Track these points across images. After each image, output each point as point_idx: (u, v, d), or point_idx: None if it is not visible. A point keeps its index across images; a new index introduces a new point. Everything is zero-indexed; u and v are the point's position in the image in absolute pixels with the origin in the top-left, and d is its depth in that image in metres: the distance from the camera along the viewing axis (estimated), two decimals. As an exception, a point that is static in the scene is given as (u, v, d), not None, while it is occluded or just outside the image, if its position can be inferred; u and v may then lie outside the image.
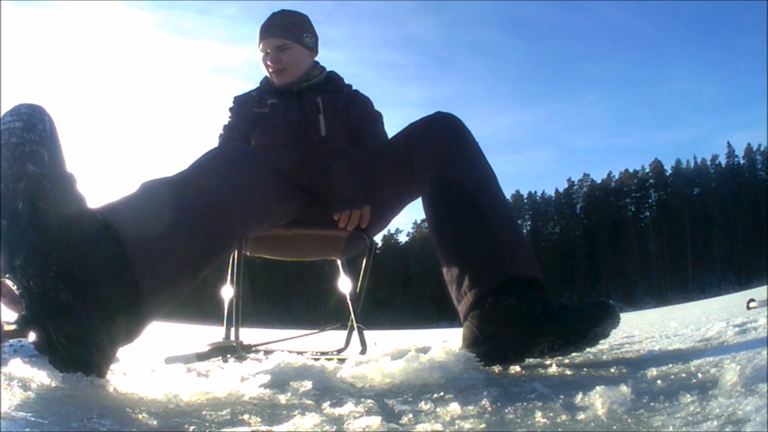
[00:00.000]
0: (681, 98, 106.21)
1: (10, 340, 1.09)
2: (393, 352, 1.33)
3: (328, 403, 0.80)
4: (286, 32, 1.82)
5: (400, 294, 60.87)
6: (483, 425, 0.66)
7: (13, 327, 0.88)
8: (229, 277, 1.80)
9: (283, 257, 2.03)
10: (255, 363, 1.29)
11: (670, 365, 1.01)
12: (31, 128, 0.87)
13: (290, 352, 1.54)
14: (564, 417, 0.67)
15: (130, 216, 1.04)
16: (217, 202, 1.21)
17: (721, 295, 24.96)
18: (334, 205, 1.58)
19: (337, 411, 0.75)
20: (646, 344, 1.70)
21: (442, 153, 1.46)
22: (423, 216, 1.55)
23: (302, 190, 1.63)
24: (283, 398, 0.87)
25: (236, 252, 1.72)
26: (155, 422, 0.68)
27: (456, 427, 0.66)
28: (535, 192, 69.51)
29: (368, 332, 1.92)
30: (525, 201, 67.00)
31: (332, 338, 2.54)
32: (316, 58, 1.94)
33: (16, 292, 0.88)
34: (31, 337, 0.86)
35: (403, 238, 67.49)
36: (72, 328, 0.87)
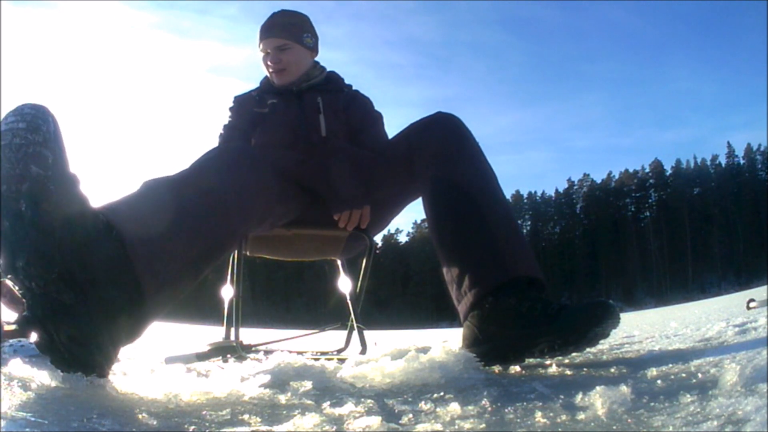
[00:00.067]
0: (681, 98, 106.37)
1: (10, 340, 1.09)
2: (393, 352, 1.33)
3: (328, 403, 0.80)
4: (287, 32, 1.82)
5: (400, 294, 60.88)
6: (483, 425, 0.66)
7: (13, 327, 0.88)
8: (229, 277, 1.80)
9: (283, 257, 2.03)
10: (255, 363, 1.29)
11: (670, 365, 1.01)
12: (35, 129, 0.87)
13: (290, 352, 1.54)
14: (564, 417, 0.67)
15: (132, 216, 1.04)
16: (218, 201, 1.21)
17: (721, 295, 24.97)
18: (335, 205, 1.58)
19: (337, 411, 0.75)
20: (646, 344, 1.70)
21: (442, 153, 1.46)
22: (423, 216, 1.55)
23: (302, 190, 1.63)
24: (283, 398, 0.87)
25: (236, 252, 1.72)
26: (155, 422, 0.68)
27: (456, 427, 0.66)
28: (535, 192, 69.65)
29: (368, 332, 1.92)
30: (525, 201, 67.02)
31: (332, 338, 2.54)
32: (316, 58, 1.94)
33: (17, 292, 0.88)
34: (33, 337, 0.86)
35: (403, 238, 67.59)
36: (74, 328, 0.87)
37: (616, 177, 65.19)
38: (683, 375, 0.89)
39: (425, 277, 55.87)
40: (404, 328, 16.99)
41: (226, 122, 1.91)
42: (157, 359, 1.47)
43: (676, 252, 57.11)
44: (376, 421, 0.66)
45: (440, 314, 50.06)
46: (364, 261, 1.90)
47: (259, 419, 0.71)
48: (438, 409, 0.75)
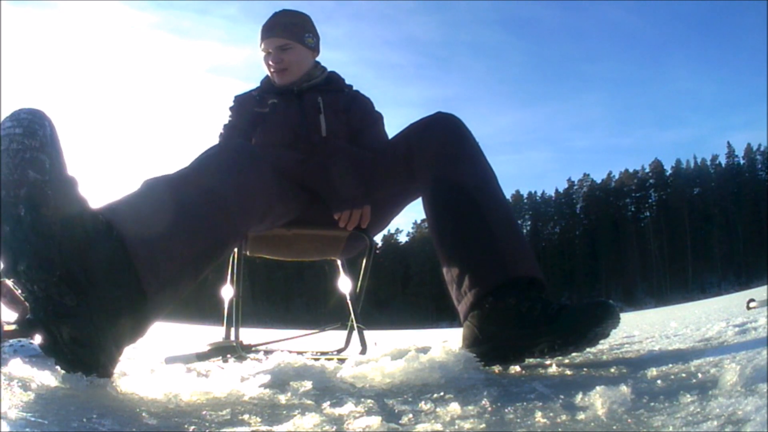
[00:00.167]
0: (681, 98, 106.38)
1: (10, 340, 1.09)
2: (393, 352, 1.33)
3: (328, 403, 0.80)
4: (289, 32, 1.82)
5: (400, 294, 60.89)
6: (483, 425, 0.66)
7: (13, 327, 0.88)
8: (229, 277, 1.80)
9: (283, 257, 2.03)
10: (255, 363, 1.29)
11: (670, 365, 1.01)
12: (32, 134, 0.87)
13: (290, 352, 1.54)
14: (564, 417, 0.67)
15: (132, 216, 1.04)
16: (218, 200, 1.21)
17: (721, 295, 24.96)
18: (335, 204, 1.58)
19: (337, 411, 0.75)
20: (646, 344, 1.70)
21: (442, 153, 1.46)
22: (423, 216, 1.55)
23: (303, 190, 1.63)
24: (283, 398, 0.87)
25: (236, 252, 1.72)
26: (155, 422, 0.68)
27: (456, 427, 0.66)
28: (535, 192, 69.65)
29: (368, 332, 1.93)
30: (525, 201, 67.02)
31: (332, 338, 2.54)
32: (317, 58, 1.94)
33: (17, 293, 0.88)
34: (38, 340, 0.87)
35: (403, 238, 67.60)
36: (77, 330, 0.87)
37: (616, 177, 65.28)
38: (683, 375, 0.89)
39: (425, 277, 55.88)
40: (404, 328, 16.98)
41: (227, 122, 1.91)
42: (157, 359, 1.47)
43: (676, 252, 57.11)
44: (376, 421, 0.66)
45: (440, 314, 50.07)
46: (364, 261, 1.90)
47: (259, 419, 0.71)
48: (438, 409, 0.75)
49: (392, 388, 1.00)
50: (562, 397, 0.80)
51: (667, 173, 62.47)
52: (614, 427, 0.61)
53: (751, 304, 3.88)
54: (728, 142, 68.68)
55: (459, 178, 1.42)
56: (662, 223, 58.88)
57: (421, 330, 16.07)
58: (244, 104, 1.91)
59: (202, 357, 1.49)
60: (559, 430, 0.62)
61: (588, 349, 1.26)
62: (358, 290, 1.91)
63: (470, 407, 0.75)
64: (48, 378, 0.83)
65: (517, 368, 1.20)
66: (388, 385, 1.03)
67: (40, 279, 0.86)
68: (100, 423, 0.65)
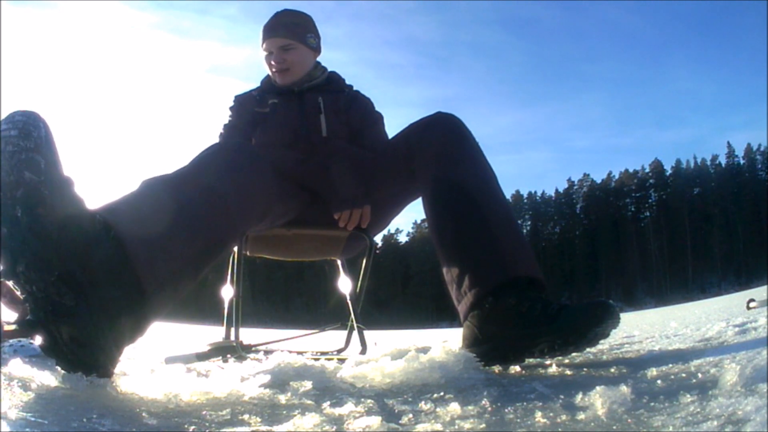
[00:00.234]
0: (681, 98, 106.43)
1: (10, 340, 1.09)
2: (393, 352, 1.33)
3: (328, 403, 0.80)
4: (291, 32, 1.82)
5: (400, 294, 60.89)
6: (483, 425, 0.66)
7: (13, 327, 0.88)
8: (229, 277, 1.80)
9: (283, 257, 2.03)
10: (255, 363, 1.29)
11: (670, 365, 1.01)
12: (27, 135, 0.87)
13: (290, 352, 1.54)
14: (564, 417, 0.67)
15: (131, 216, 1.04)
16: (217, 199, 1.21)
17: (721, 295, 24.96)
18: (335, 204, 1.58)
19: (337, 411, 0.75)
20: (646, 344, 1.70)
21: (442, 153, 1.46)
22: (423, 216, 1.55)
23: (303, 189, 1.63)
24: (283, 398, 0.87)
25: (236, 252, 1.72)
26: (155, 422, 0.68)
27: (456, 427, 0.66)
28: (535, 192, 69.71)
29: (368, 332, 1.92)
30: (525, 201, 67.04)
31: (332, 338, 2.54)
32: (318, 58, 1.94)
33: (16, 293, 0.88)
34: (38, 340, 0.87)
35: (403, 238, 67.62)
36: (76, 330, 0.87)
37: (616, 177, 65.32)
38: (683, 375, 0.89)
39: (425, 277, 55.85)
40: (404, 328, 16.99)
41: (227, 122, 1.91)
42: (157, 359, 1.47)
43: (676, 252, 57.13)
44: (376, 421, 0.66)
45: (440, 314, 50.07)
46: (364, 261, 1.90)
47: (259, 419, 0.71)
48: (438, 409, 0.75)
49: (392, 388, 1.00)
50: (562, 397, 0.80)
51: (667, 173, 62.50)
52: (614, 427, 0.61)
53: (751, 304, 3.88)
54: (728, 142, 68.89)
55: (459, 178, 1.42)
56: (662, 223, 58.89)
57: (421, 330, 16.08)
58: (244, 104, 1.91)
59: (202, 357, 1.49)
60: (559, 430, 0.62)
61: (588, 349, 1.26)
62: (358, 290, 1.91)
63: (470, 407, 0.75)
64: (48, 378, 0.83)
65: (517, 368, 1.20)
66: (388, 385, 1.03)
67: (38, 279, 0.86)
68: (100, 423, 0.65)
